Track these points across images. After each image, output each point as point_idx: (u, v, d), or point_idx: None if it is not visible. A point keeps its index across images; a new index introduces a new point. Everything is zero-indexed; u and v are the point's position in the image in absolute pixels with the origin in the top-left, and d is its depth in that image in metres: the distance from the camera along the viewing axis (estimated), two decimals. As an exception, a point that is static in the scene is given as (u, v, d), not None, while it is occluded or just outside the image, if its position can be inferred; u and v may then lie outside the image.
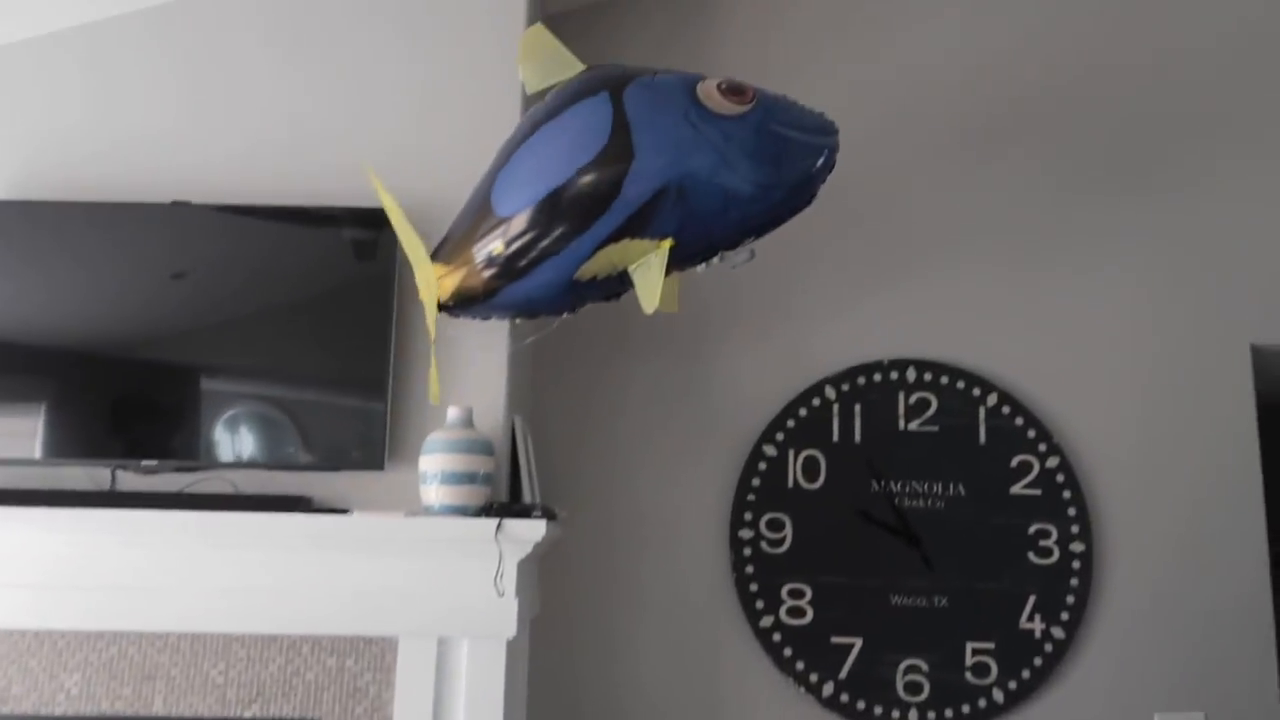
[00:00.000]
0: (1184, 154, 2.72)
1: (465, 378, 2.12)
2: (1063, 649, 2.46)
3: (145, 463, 2.01)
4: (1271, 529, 3.50)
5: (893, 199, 2.72)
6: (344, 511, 1.95)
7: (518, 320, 2.06)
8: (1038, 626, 2.47)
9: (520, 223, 1.83)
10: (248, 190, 2.19)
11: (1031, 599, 2.48)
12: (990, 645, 2.47)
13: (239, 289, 2.07)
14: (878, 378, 2.61)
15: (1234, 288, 2.65)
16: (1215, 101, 2.75)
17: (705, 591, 2.55)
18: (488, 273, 1.88)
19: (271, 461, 2.03)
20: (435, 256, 1.96)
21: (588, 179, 1.78)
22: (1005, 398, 2.58)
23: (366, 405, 2.03)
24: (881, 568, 2.51)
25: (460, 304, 1.95)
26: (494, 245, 1.86)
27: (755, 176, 1.76)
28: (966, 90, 2.76)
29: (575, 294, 1.90)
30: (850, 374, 2.61)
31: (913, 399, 2.60)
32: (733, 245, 1.87)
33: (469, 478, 1.91)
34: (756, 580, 2.52)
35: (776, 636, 2.49)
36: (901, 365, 2.61)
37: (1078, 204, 2.70)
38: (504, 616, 1.92)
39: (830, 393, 2.61)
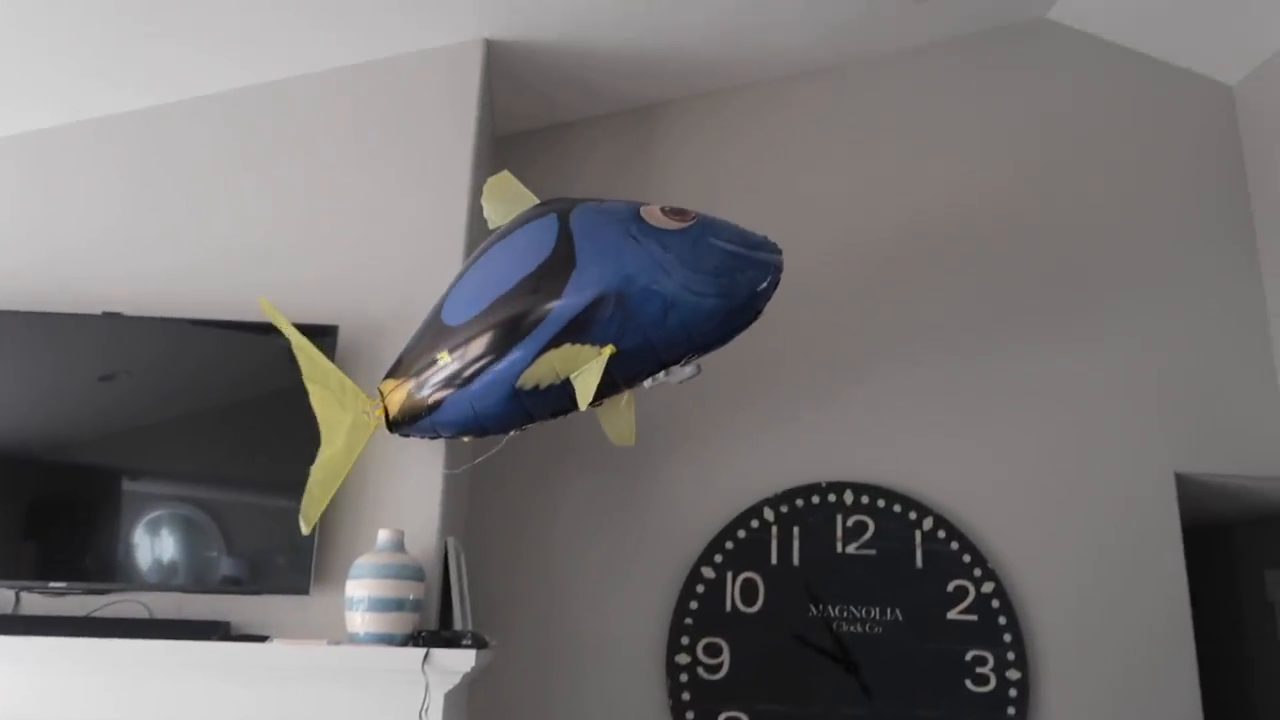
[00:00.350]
0: (1111, 291, 2.85)
1: (399, 498, 2.07)
2: (1001, 781, 2.42)
3: (54, 584, 1.91)
4: (1200, 647, 3.54)
5: (831, 324, 2.78)
6: (263, 639, 1.87)
7: (467, 439, 2.04)
8: (976, 757, 2.43)
9: (466, 331, 1.85)
10: (186, 303, 2.16)
11: (970, 728, 2.45)
12: (929, 777, 2.42)
13: (170, 391, 2.02)
14: (815, 500, 2.62)
15: (1158, 419, 2.74)
16: (1141, 244, 2.89)
17: (640, 720, 2.47)
18: (433, 382, 1.87)
19: (190, 581, 1.95)
20: (389, 374, 1.96)
21: (530, 286, 1.82)
22: (941, 521, 2.60)
23: (295, 506, 1.97)
24: (820, 695, 2.47)
25: (408, 420, 1.93)
26: (440, 354, 1.87)
27: (692, 285, 1.79)
28: (905, 222, 2.87)
29: (520, 405, 1.89)
30: (789, 495, 2.62)
31: (850, 521, 2.60)
32: (678, 360, 1.89)
33: (397, 604, 1.84)
34: (693, 708, 2.45)
35: (713, 768, 2.41)
36: (839, 488, 2.63)
37: (1011, 335, 2.79)
38: (429, 751, 1.83)
39: (769, 514, 2.60)
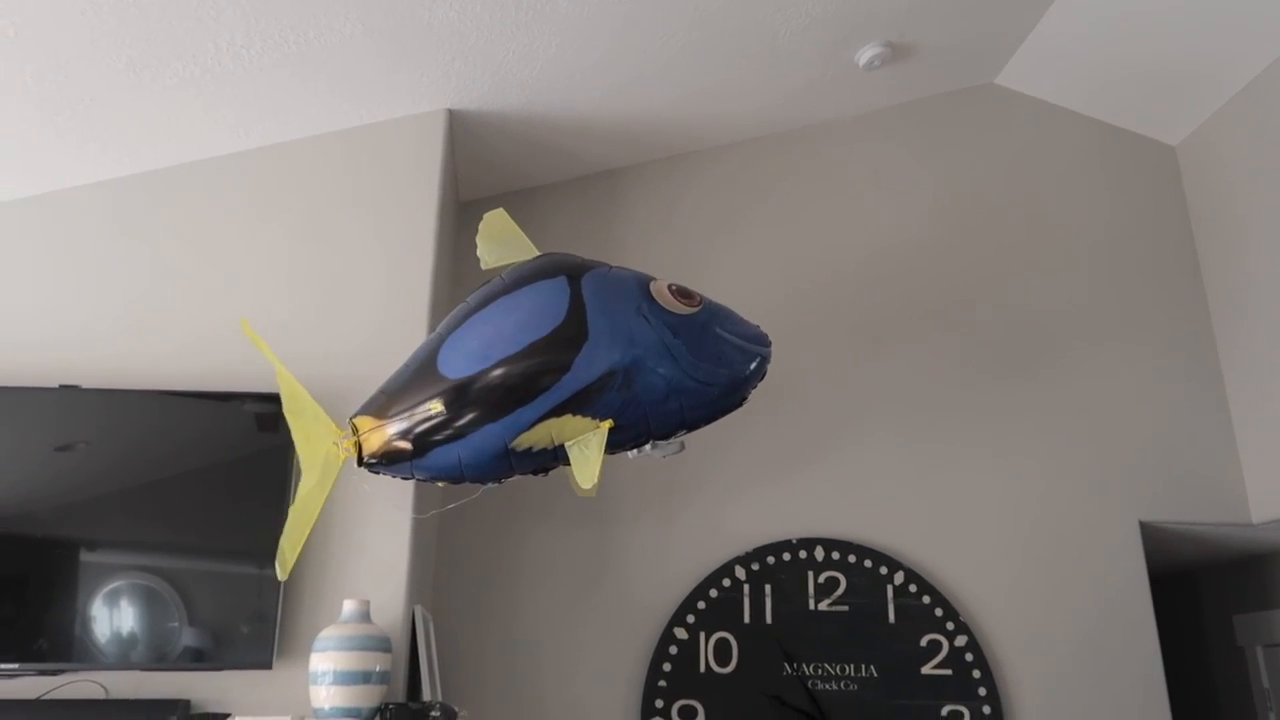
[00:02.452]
0: (1071, 346, 2.91)
1: (365, 567, 2.03)
2: (983, 840, 2.39)
3: (5, 666, 1.84)
4: (1171, 693, 3.54)
5: (798, 381, 2.81)
6: (224, 717, 1.81)
7: (440, 484, 2.01)
8: (957, 816, 2.40)
9: (466, 386, 1.82)
10: (145, 375, 2.13)
11: (949, 786, 2.43)
12: (910, 839, 2.38)
13: (129, 460, 1.98)
14: (787, 557, 2.61)
15: (1122, 469, 2.78)
16: (1098, 299, 2.97)
17: (615, 789, 2.42)
18: (421, 429, 1.85)
19: (149, 657, 1.89)
20: (365, 410, 1.91)
21: (540, 352, 1.82)
22: (912, 576, 2.60)
23: (260, 573, 1.93)
24: (797, 757, 2.43)
25: (387, 460, 1.90)
26: (434, 405, 1.84)
27: (697, 372, 1.85)
28: (865, 280, 2.93)
29: (507, 463, 1.88)
30: (760, 553, 2.61)
31: (822, 578, 2.60)
32: (666, 435, 1.91)
33: (363, 677, 1.80)
34: (669, 775, 2.40)
35: (690, 837, 2.36)
36: (810, 544, 2.62)
37: (975, 388, 2.83)
38: (397, 830, 1.78)
39: (740, 573, 2.59)
